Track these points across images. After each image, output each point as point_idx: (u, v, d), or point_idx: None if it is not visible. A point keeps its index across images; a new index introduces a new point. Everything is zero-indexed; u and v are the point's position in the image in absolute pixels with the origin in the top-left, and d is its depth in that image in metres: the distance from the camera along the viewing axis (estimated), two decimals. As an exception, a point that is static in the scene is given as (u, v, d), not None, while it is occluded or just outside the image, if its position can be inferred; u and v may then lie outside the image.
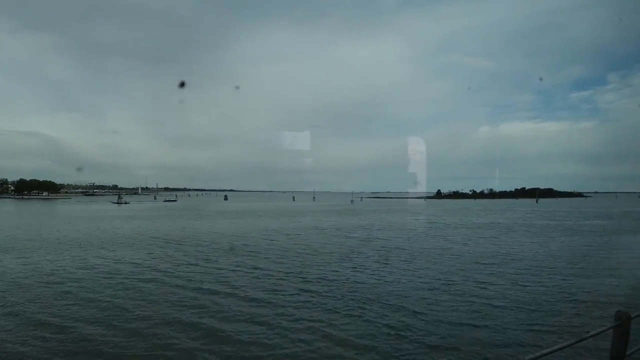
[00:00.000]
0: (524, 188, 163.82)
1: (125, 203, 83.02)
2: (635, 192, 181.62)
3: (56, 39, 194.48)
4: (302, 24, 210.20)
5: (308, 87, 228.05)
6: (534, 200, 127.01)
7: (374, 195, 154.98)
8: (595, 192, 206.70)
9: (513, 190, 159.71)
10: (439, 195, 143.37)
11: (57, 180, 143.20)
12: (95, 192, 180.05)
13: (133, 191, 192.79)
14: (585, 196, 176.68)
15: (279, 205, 79.93)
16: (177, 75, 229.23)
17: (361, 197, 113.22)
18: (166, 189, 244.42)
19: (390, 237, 26.25)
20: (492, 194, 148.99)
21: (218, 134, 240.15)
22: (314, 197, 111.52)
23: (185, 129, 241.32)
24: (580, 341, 3.41)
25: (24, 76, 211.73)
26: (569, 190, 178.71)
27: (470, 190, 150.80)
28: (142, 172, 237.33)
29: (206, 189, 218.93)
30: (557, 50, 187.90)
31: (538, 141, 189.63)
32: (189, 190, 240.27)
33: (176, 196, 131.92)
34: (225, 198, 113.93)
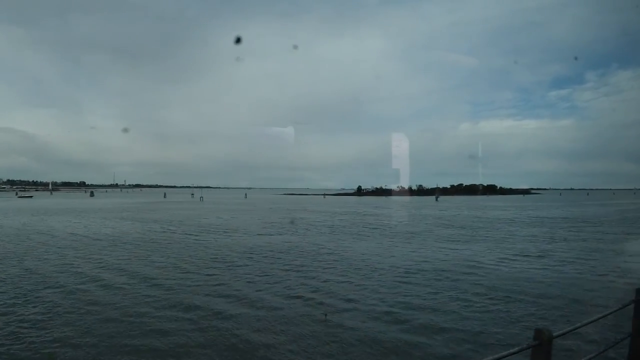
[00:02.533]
0: (461, 184, 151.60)
1: None
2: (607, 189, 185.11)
3: (34, 33, 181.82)
4: (284, 20, 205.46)
5: (291, 83, 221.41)
6: (451, 197, 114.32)
7: (294, 193, 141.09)
8: (571, 189, 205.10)
9: (448, 186, 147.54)
10: (359, 191, 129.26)
11: (33, 178, 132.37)
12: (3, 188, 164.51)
13: (102, 188, 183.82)
14: (534, 193, 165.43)
15: (111, 202, 64.88)
16: (157, 70, 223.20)
17: (245, 194, 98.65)
18: (138, 186, 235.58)
19: None
20: (419, 191, 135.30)
21: (199, 130, 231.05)
22: (192, 194, 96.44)
23: (166, 126, 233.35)
24: None
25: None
26: (544, 187, 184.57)
27: (398, 187, 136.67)
28: (120, 168, 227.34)
29: (179, 185, 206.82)
30: (537, 48, 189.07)
31: (518, 138, 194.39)
32: (161, 187, 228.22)
33: (52, 191, 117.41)
34: (92, 194, 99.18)
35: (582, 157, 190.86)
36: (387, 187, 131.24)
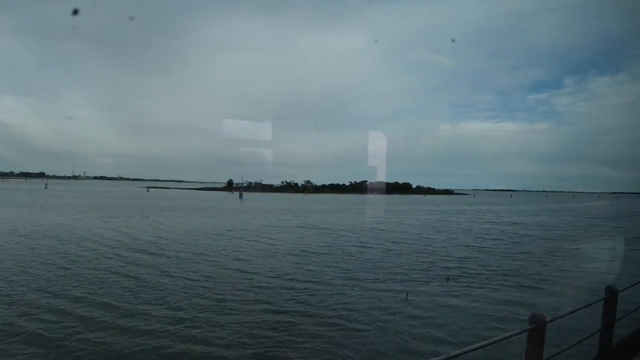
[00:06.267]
0: (354, 182, 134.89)
1: None
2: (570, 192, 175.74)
3: (12, 19, 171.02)
4: (268, 14, 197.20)
5: (273, 78, 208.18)
6: (352, 195, 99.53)
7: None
8: (544, 191, 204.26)
9: (347, 183, 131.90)
10: (230, 186, 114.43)
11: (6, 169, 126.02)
12: None
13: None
14: (458, 194, 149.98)
15: None
16: (137, 61, 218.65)
17: (46, 185, 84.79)
18: (102, 178, 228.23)
19: None
20: (307, 188, 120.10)
21: (179, 123, 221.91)
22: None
23: (145, 118, 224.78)
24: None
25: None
26: (518, 189, 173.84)
27: (283, 182, 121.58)
28: (96, 160, 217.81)
29: (147, 179, 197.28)
30: (518, 52, 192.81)
31: (496, 140, 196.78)
32: (127, 179, 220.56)
33: None
34: None
35: (559, 161, 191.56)
36: (264, 183, 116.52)
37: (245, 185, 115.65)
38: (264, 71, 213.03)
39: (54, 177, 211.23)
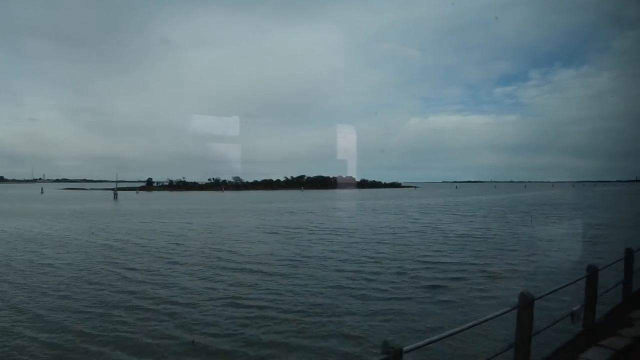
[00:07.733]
0: (290, 178, 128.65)
1: None
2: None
3: None
4: (235, 9, 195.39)
5: (242, 75, 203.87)
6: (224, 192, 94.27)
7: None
8: (511, 182, 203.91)
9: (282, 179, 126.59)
10: (149, 185, 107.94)
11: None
12: None
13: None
14: (405, 186, 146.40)
15: None
16: (101, 59, 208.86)
17: None
18: (65, 180, 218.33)
19: None
20: (226, 185, 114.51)
21: (146, 122, 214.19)
22: None
23: (112, 117, 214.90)
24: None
25: None
26: (486, 180, 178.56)
27: (211, 179, 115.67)
28: (63, 163, 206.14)
29: (110, 180, 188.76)
30: (484, 46, 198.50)
31: (465, 133, 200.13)
32: (90, 181, 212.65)
33: None
34: None
35: (526, 151, 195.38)
36: (187, 181, 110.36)
37: (166, 183, 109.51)
38: (233, 68, 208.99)
39: (13, 180, 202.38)
